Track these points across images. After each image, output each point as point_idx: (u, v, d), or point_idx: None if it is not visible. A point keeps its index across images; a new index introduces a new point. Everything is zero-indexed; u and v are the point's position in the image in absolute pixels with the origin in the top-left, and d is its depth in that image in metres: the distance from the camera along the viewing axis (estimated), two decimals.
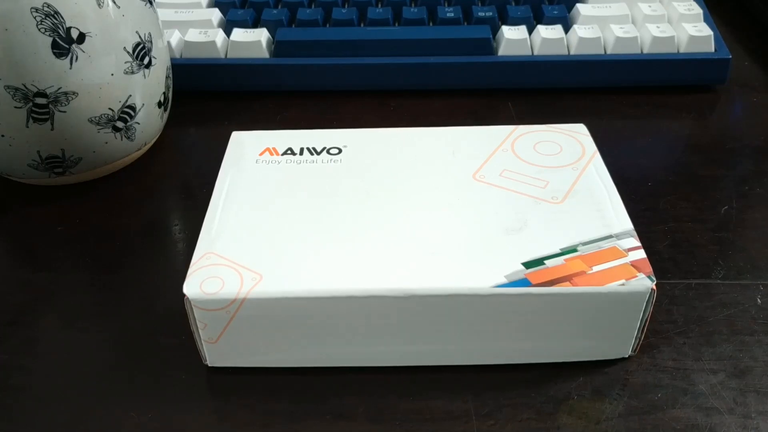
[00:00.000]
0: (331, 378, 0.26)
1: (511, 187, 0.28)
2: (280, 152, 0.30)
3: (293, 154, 0.30)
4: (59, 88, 0.31)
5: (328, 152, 0.30)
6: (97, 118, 0.32)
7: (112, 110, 0.33)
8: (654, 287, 0.24)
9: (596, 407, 0.25)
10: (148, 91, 0.34)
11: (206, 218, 0.27)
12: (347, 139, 0.31)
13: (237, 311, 0.24)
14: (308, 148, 0.31)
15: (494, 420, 0.25)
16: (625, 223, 0.27)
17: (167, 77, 0.36)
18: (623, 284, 0.24)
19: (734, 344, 0.27)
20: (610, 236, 0.26)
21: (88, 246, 0.32)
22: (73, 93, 0.31)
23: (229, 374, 0.26)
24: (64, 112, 0.31)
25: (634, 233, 0.26)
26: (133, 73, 0.33)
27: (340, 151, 0.30)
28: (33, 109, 0.31)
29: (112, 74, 0.32)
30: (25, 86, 0.30)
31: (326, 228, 0.26)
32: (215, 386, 0.26)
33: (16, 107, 0.30)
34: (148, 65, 0.34)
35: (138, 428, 0.25)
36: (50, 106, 0.31)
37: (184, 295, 0.24)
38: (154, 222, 0.33)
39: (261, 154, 0.30)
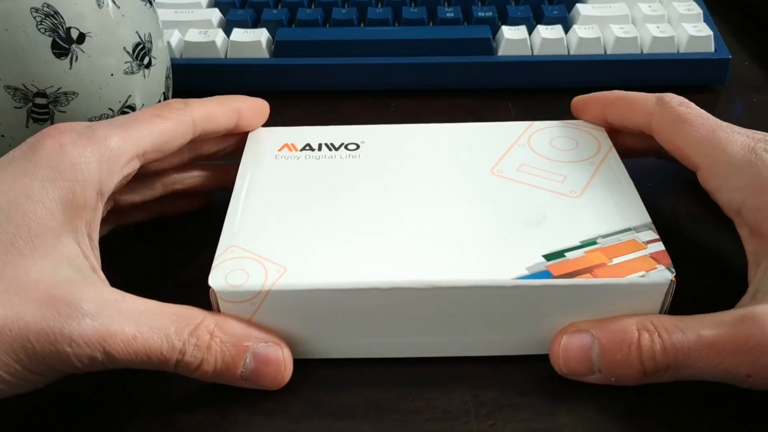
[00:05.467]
0: (331, 378, 0.26)
1: (529, 181, 0.29)
2: (299, 148, 0.31)
3: (312, 149, 0.31)
4: (59, 88, 0.31)
5: (346, 148, 0.31)
6: (97, 119, 0.32)
7: (112, 110, 0.33)
8: (674, 278, 0.24)
9: (596, 407, 0.25)
10: (148, 91, 0.34)
11: (228, 212, 0.27)
12: (365, 134, 0.32)
13: (262, 303, 0.24)
14: (326, 144, 0.31)
15: (494, 420, 0.25)
16: (643, 216, 0.27)
17: (167, 77, 0.36)
18: (643, 276, 0.24)
19: None
20: (629, 229, 0.26)
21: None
22: (73, 93, 0.31)
23: None
24: (64, 112, 0.31)
25: (653, 226, 0.26)
26: (133, 73, 0.33)
27: (358, 146, 0.31)
28: (33, 109, 0.31)
29: (112, 74, 0.32)
30: (25, 86, 0.30)
31: (347, 222, 0.27)
32: (216, 386, 0.26)
33: (16, 107, 0.30)
34: (148, 65, 0.34)
35: (138, 428, 0.25)
36: (50, 106, 0.31)
37: (209, 287, 0.24)
38: (154, 220, 0.33)
39: (280, 150, 0.31)
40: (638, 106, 0.30)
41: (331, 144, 0.31)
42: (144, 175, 0.29)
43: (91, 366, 0.22)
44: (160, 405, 0.25)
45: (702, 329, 0.23)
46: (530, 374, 0.26)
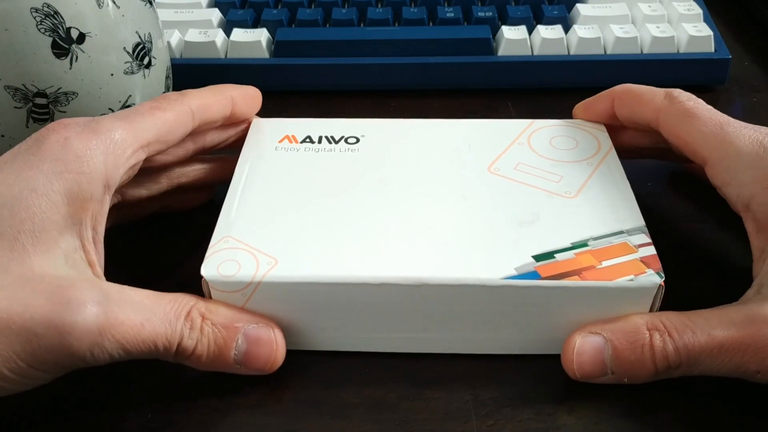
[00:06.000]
0: (331, 378, 0.26)
1: (525, 180, 0.29)
2: (299, 140, 0.31)
3: (312, 142, 0.31)
4: (59, 89, 0.31)
5: (346, 141, 0.31)
6: None
7: (112, 110, 0.33)
8: (662, 283, 0.24)
9: (596, 407, 0.25)
10: (148, 91, 0.34)
11: (225, 203, 0.28)
12: (365, 128, 0.32)
13: (252, 294, 0.25)
14: (327, 137, 0.31)
15: (494, 420, 0.25)
16: (637, 219, 0.27)
17: (167, 77, 0.36)
18: (632, 280, 0.24)
19: None
20: (621, 232, 0.26)
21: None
22: (73, 93, 0.31)
23: (229, 374, 0.26)
24: (64, 112, 0.31)
25: (645, 230, 0.26)
26: (133, 73, 0.33)
27: (357, 140, 0.31)
28: (33, 109, 0.31)
29: (112, 74, 0.32)
30: (25, 86, 0.30)
31: (342, 216, 0.27)
32: (215, 386, 0.26)
33: (16, 107, 0.30)
34: (148, 65, 0.34)
35: (137, 428, 0.25)
36: (50, 106, 0.31)
37: (201, 276, 0.25)
38: (156, 218, 0.33)
39: (280, 142, 0.31)
40: (646, 99, 0.30)
41: (331, 137, 0.31)
42: (149, 169, 0.29)
43: (98, 358, 0.22)
44: (159, 405, 0.25)
45: (711, 329, 0.23)
46: (530, 374, 0.26)
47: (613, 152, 0.30)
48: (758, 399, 0.25)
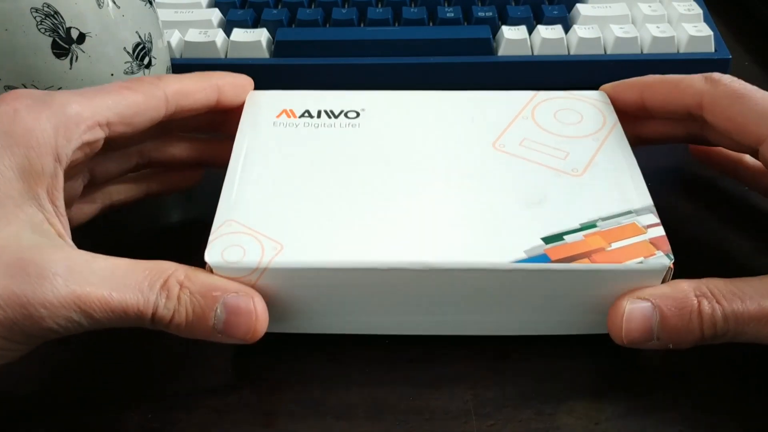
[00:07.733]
0: (331, 378, 0.26)
1: (531, 157, 0.28)
2: (298, 114, 0.30)
3: (311, 116, 0.30)
4: (59, 89, 0.30)
5: (346, 116, 0.30)
6: None
7: None
8: (672, 265, 0.24)
9: (596, 407, 0.25)
10: None
11: (225, 184, 0.27)
12: (365, 101, 0.31)
13: (258, 279, 0.25)
14: (326, 111, 0.31)
15: (494, 420, 0.25)
16: (645, 198, 0.27)
17: None
18: (641, 262, 0.24)
19: (736, 345, 0.27)
20: (630, 212, 0.26)
21: (90, 237, 0.32)
22: None
23: (229, 374, 0.26)
24: None
25: (654, 209, 0.26)
26: (133, 73, 0.33)
27: (358, 114, 0.30)
28: None
29: (112, 74, 0.32)
30: (24, 86, 0.30)
31: (345, 198, 0.27)
32: (215, 386, 0.26)
33: None
34: (148, 65, 0.34)
35: (137, 427, 0.25)
36: None
37: (205, 262, 0.24)
38: (155, 210, 0.33)
39: (278, 116, 0.30)
40: (684, 86, 0.29)
41: (331, 111, 0.31)
42: (118, 145, 0.28)
43: (68, 328, 0.22)
44: (159, 405, 0.25)
45: (762, 299, 0.23)
46: (530, 374, 0.26)
47: (618, 126, 0.30)
48: (759, 399, 0.25)
